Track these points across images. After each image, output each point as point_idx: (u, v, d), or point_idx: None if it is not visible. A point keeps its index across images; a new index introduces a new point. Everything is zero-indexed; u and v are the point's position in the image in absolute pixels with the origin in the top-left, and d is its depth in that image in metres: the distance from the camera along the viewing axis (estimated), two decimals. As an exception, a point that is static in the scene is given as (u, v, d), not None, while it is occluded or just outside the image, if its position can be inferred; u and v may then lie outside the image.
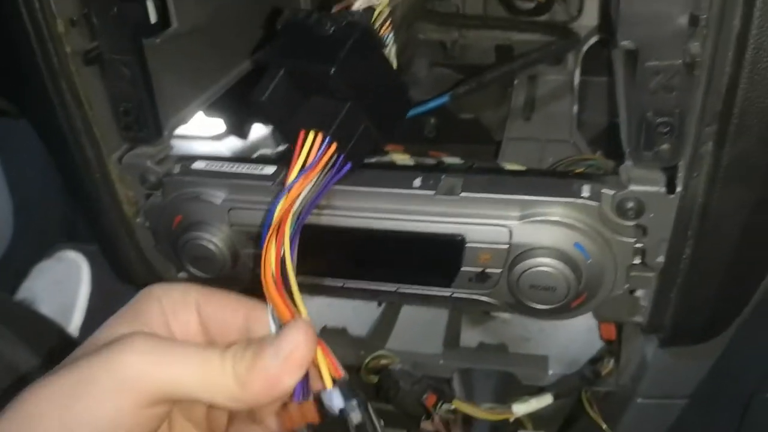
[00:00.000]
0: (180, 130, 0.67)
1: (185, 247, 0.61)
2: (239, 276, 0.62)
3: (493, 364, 0.87)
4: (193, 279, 0.64)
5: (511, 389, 0.84)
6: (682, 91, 0.49)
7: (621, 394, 0.79)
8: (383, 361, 0.85)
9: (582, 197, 0.54)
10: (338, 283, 0.62)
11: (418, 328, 0.90)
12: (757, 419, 0.88)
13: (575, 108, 0.86)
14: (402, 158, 0.68)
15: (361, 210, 0.57)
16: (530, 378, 0.86)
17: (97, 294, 1.49)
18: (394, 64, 0.57)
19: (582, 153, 0.79)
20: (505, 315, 0.89)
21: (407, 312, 0.92)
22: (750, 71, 0.47)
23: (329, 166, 0.52)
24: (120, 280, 0.73)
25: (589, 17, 0.89)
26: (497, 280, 0.57)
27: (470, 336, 0.90)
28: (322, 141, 0.52)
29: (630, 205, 0.53)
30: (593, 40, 0.87)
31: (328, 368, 0.40)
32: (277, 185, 0.58)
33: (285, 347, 0.38)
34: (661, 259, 0.56)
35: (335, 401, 0.39)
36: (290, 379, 0.38)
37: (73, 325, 1.44)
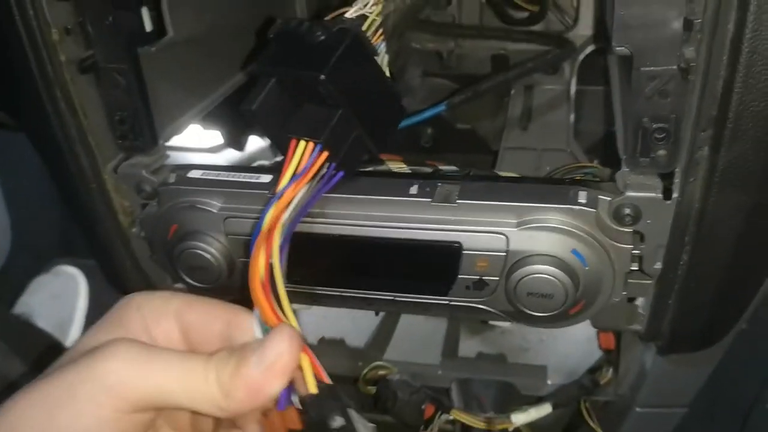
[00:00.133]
0: (177, 142, 0.67)
1: (181, 257, 0.61)
2: (235, 285, 0.61)
3: (492, 374, 0.86)
4: (189, 289, 0.64)
5: (510, 399, 0.83)
6: (678, 97, 0.49)
7: (620, 404, 0.79)
8: (381, 372, 0.85)
9: (579, 204, 0.54)
10: (335, 292, 0.62)
11: (417, 339, 0.90)
12: (758, 430, 0.88)
13: (572, 117, 0.86)
14: (399, 167, 0.68)
15: (358, 218, 0.57)
16: (529, 388, 0.86)
17: (95, 308, 1.48)
18: (387, 73, 0.57)
19: (579, 161, 0.79)
20: (504, 325, 0.88)
21: (405, 322, 0.92)
22: (745, 75, 0.47)
23: (321, 174, 0.52)
24: (116, 291, 0.72)
25: (585, 27, 0.89)
26: (495, 288, 0.57)
27: (469, 346, 0.90)
28: (314, 149, 0.51)
29: (627, 211, 0.53)
30: (589, 49, 0.87)
31: (314, 373, 0.39)
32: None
33: (269, 355, 0.38)
34: (658, 265, 0.56)
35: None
36: (274, 387, 0.38)
37: (70, 339, 1.44)
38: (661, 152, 0.52)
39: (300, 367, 0.39)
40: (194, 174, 0.62)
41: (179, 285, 0.67)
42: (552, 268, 0.54)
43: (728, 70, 0.47)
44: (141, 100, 0.59)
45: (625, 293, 0.57)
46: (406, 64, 0.83)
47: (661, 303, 0.58)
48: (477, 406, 0.82)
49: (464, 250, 0.56)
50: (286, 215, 0.48)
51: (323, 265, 0.60)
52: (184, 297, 0.42)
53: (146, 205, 0.64)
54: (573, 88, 0.88)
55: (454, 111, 0.81)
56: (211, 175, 0.61)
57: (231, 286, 0.61)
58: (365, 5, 0.57)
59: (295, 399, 0.39)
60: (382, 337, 0.92)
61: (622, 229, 0.54)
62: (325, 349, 0.92)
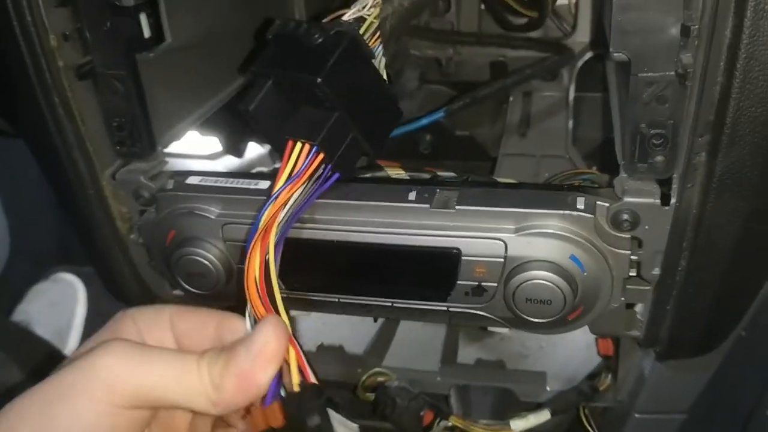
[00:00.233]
0: (176, 149, 0.67)
1: (179, 263, 0.61)
2: (233, 292, 0.61)
3: (491, 381, 0.86)
4: (187, 295, 0.64)
5: (509, 406, 0.83)
6: (675, 102, 0.50)
7: (619, 410, 0.79)
8: (380, 378, 0.84)
9: (577, 209, 0.54)
10: (334, 298, 0.62)
11: (415, 345, 0.90)
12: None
13: (570, 123, 0.87)
14: (397, 173, 0.68)
15: (357, 224, 0.57)
16: (528, 394, 0.85)
17: (93, 316, 1.48)
18: (384, 75, 0.57)
19: (577, 168, 0.79)
20: (503, 331, 0.89)
21: (404, 329, 0.92)
22: (742, 81, 0.47)
23: (316, 175, 0.52)
24: (114, 298, 0.72)
25: (583, 33, 0.90)
26: (493, 294, 0.57)
27: (468, 352, 0.90)
28: (310, 150, 0.52)
29: (625, 217, 0.53)
30: (587, 56, 0.87)
31: (299, 368, 0.40)
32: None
33: (256, 343, 0.38)
34: (656, 271, 0.56)
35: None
36: (263, 375, 0.38)
37: (69, 347, 1.44)
38: (659, 158, 0.52)
39: (286, 361, 0.40)
40: (192, 180, 0.62)
41: (177, 291, 0.67)
42: (550, 274, 0.54)
43: (725, 76, 0.48)
44: (139, 107, 0.59)
45: (623, 299, 0.57)
46: (403, 67, 0.84)
47: (659, 309, 0.58)
48: (476, 412, 0.82)
49: (463, 256, 0.56)
50: (282, 215, 0.48)
51: (323, 272, 0.60)
52: (176, 307, 0.44)
53: (144, 212, 0.64)
54: (571, 95, 0.88)
55: (452, 117, 0.81)
56: (210, 182, 0.61)
57: (229, 293, 0.61)
58: (363, 8, 0.57)
59: (283, 394, 0.40)
60: (380, 343, 0.91)
61: (620, 234, 0.54)
62: (324, 355, 0.91)
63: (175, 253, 0.60)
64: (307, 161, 0.52)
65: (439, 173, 0.69)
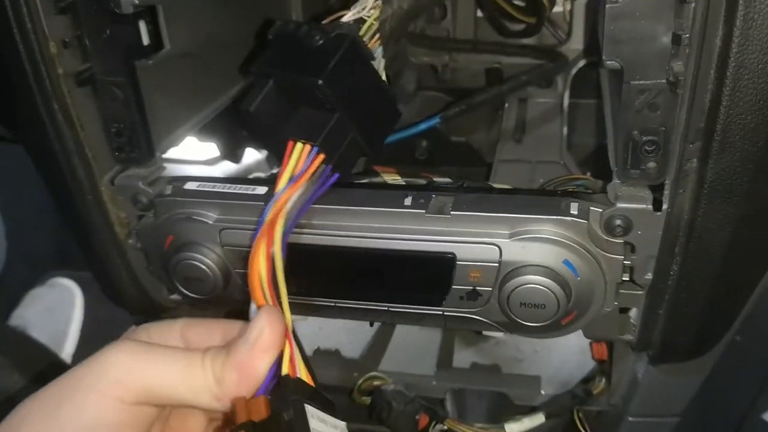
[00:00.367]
0: (174, 155, 0.68)
1: (177, 268, 0.61)
2: (231, 296, 0.62)
3: (486, 385, 0.87)
4: (185, 301, 0.64)
5: (503, 409, 0.84)
6: (667, 110, 0.50)
7: (613, 413, 0.79)
8: (376, 382, 0.85)
9: (571, 215, 0.55)
10: (330, 302, 0.62)
11: (411, 349, 0.91)
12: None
13: (565, 130, 0.87)
14: (393, 179, 0.69)
15: (353, 229, 0.57)
16: (523, 398, 0.86)
17: (90, 321, 1.49)
18: (383, 76, 0.58)
19: (572, 173, 0.80)
20: (498, 335, 0.89)
21: (400, 333, 0.93)
22: (732, 89, 0.47)
23: (317, 175, 0.53)
24: (112, 303, 0.72)
25: (577, 41, 0.90)
26: (488, 298, 0.57)
27: (463, 356, 0.91)
28: (311, 151, 0.52)
29: (618, 222, 0.54)
30: (582, 63, 0.88)
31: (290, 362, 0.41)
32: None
33: (252, 333, 0.40)
34: (649, 276, 0.56)
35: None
36: (261, 364, 0.39)
37: (66, 352, 1.44)
38: (651, 164, 0.52)
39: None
40: (190, 186, 0.62)
41: (175, 296, 0.67)
42: (544, 279, 0.55)
43: (716, 84, 0.48)
44: (138, 113, 0.59)
45: (616, 303, 0.58)
46: (402, 68, 0.84)
47: (652, 313, 0.59)
48: (471, 416, 0.83)
49: (458, 260, 0.56)
50: (285, 212, 0.49)
51: (319, 276, 0.61)
52: (186, 319, 0.45)
53: (142, 217, 0.64)
54: (566, 101, 0.88)
55: (448, 124, 0.82)
56: (208, 187, 0.62)
57: (227, 298, 0.62)
58: (363, 9, 0.57)
59: None
60: (377, 348, 0.92)
61: (613, 240, 0.55)
62: (320, 360, 0.92)
63: (173, 258, 0.61)
64: (308, 161, 0.52)
65: (435, 179, 0.69)
